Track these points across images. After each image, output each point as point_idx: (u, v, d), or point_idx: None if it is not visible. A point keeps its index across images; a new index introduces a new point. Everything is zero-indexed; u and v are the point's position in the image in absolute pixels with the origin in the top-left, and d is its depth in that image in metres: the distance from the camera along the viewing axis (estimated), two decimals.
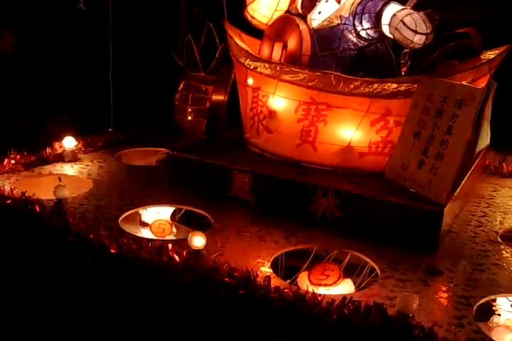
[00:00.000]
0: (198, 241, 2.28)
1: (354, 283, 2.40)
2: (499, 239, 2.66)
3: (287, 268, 2.53)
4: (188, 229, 2.77)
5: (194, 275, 2.14)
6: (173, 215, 3.01)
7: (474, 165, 3.02)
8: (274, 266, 2.40)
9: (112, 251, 2.33)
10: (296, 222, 2.68)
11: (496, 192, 3.20)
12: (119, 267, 2.32)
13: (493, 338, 1.99)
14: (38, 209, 2.59)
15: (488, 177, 3.40)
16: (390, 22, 2.79)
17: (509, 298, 2.32)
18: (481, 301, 2.17)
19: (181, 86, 3.67)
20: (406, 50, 3.02)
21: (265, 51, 3.04)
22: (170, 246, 2.32)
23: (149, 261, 2.24)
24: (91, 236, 2.40)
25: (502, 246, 2.60)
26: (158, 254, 2.27)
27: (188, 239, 2.31)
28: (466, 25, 3.12)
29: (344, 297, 2.02)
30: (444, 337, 1.86)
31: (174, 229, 2.84)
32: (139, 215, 2.94)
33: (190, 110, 3.62)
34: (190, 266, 2.18)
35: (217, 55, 3.51)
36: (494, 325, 2.30)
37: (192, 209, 2.85)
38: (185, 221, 2.99)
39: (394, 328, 1.87)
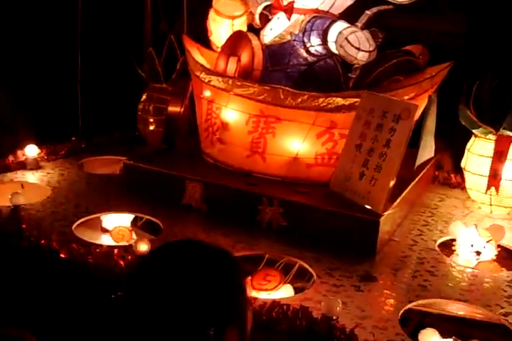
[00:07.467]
0: (142, 247, 2.39)
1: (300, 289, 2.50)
2: (436, 248, 2.78)
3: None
4: (148, 236, 2.87)
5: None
6: (134, 222, 3.11)
7: (419, 176, 3.15)
8: None
9: (62, 255, 2.44)
10: (244, 229, 2.79)
11: (441, 202, 3.32)
12: (68, 271, 2.42)
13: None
14: None
15: (436, 188, 3.52)
16: (336, 39, 2.93)
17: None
18: (408, 306, 2.30)
19: (144, 96, 3.77)
20: (356, 66, 3.15)
21: (221, 65, 3.17)
22: (116, 251, 2.43)
23: (95, 265, 2.35)
24: (42, 241, 2.51)
25: (438, 254, 2.72)
26: (104, 259, 2.38)
27: (133, 245, 2.42)
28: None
29: (274, 301, 2.13)
30: (364, 339, 1.98)
31: (134, 236, 2.93)
32: (100, 222, 3.04)
33: (151, 120, 3.72)
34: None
35: (177, 67, 3.62)
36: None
37: (144, 216, 2.96)
38: (146, 228, 3.08)
39: (317, 330, 1.99)
